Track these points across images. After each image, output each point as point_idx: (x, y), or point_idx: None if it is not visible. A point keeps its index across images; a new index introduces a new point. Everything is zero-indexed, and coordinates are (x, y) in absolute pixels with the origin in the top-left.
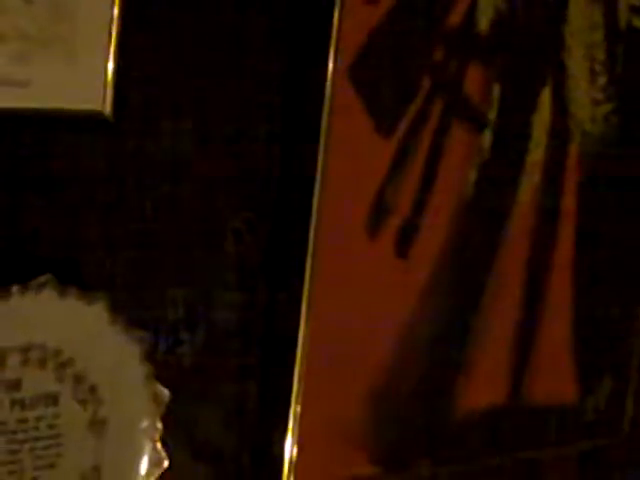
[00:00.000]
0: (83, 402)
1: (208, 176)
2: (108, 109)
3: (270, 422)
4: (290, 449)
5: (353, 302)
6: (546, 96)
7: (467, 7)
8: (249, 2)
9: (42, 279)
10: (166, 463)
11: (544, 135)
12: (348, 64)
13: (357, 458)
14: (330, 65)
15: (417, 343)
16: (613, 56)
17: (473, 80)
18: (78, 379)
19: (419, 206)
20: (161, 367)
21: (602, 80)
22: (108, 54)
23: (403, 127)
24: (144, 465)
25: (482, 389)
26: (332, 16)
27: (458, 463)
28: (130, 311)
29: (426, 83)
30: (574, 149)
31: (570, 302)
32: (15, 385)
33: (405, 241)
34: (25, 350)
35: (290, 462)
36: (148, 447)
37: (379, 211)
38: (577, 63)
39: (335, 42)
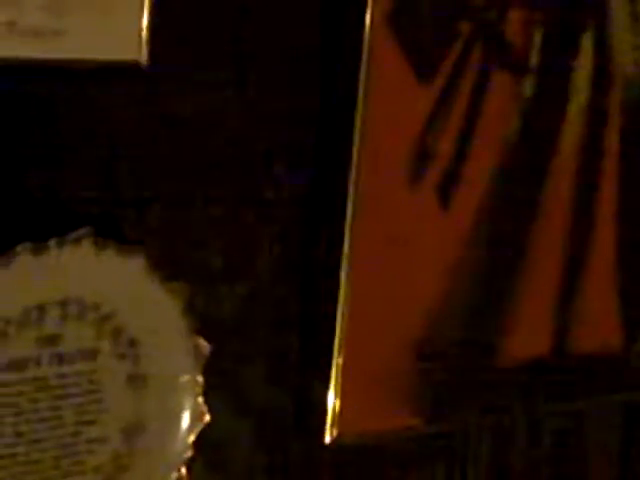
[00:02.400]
0: (122, 356)
1: (245, 127)
2: (144, 58)
3: (312, 374)
4: (332, 401)
5: (394, 252)
6: (588, 41)
7: None
8: None
9: (80, 232)
10: (208, 417)
11: (587, 81)
12: (386, 9)
13: (400, 409)
14: (369, 10)
15: (459, 294)
16: None
17: (514, 25)
18: (117, 333)
19: (461, 154)
20: (201, 320)
21: None
22: (144, 3)
23: (443, 73)
24: (186, 420)
25: (526, 338)
26: None
27: (502, 413)
28: (169, 264)
29: (466, 28)
30: (616, 95)
31: (614, 250)
32: (54, 340)
33: (447, 190)
34: (63, 304)
35: (333, 414)
36: (189, 402)
37: (420, 159)
38: (618, 6)
39: None
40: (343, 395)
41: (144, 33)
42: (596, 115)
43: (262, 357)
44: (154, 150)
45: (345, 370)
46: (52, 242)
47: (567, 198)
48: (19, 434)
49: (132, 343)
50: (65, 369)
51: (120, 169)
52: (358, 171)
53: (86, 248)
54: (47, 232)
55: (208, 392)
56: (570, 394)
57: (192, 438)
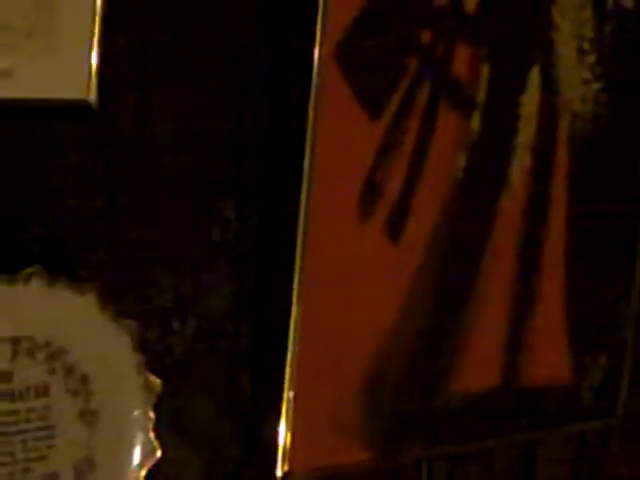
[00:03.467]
0: (74, 393)
1: (195, 164)
2: (93, 97)
3: (263, 410)
4: (283, 436)
5: (345, 287)
6: (535, 76)
7: None
8: None
9: (31, 269)
10: (159, 453)
11: (534, 116)
12: (335, 46)
13: (350, 443)
14: (317, 47)
15: (410, 327)
16: (601, 35)
17: (461, 61)
18: (69, 370)
19: (410, 189)
20: (152, 356)
21: (591, 59)
22: (92, 43)
23: (391, 109)
24: (137, 455)
25: (476, 372)
26: None
27: (453, 446)
28: (120, 301)
29: (413, 64)
30: (564, 129)
31: (563, 283)
32: (6, 376)
33: (397, 224)
34: (15, 341)
35: (284, 448)
36: (141, 437)
37: (370, 194)
38: (565, 42)
39: (322, 24)
40: (294, 430)
41: (94, 72)
42: (543, 150)
43: (214, 392)
44: (101, 189)
45: (296, 405)
46: (3, 279)
47: (516, 231)
48: None
49: (84, 379)
50: (16, 405)
51: (67, 208)
52: (307, 207)
53: (37, 285)
54: None
55: (160, 427)
56: (520, 427)
57: (143, 473)
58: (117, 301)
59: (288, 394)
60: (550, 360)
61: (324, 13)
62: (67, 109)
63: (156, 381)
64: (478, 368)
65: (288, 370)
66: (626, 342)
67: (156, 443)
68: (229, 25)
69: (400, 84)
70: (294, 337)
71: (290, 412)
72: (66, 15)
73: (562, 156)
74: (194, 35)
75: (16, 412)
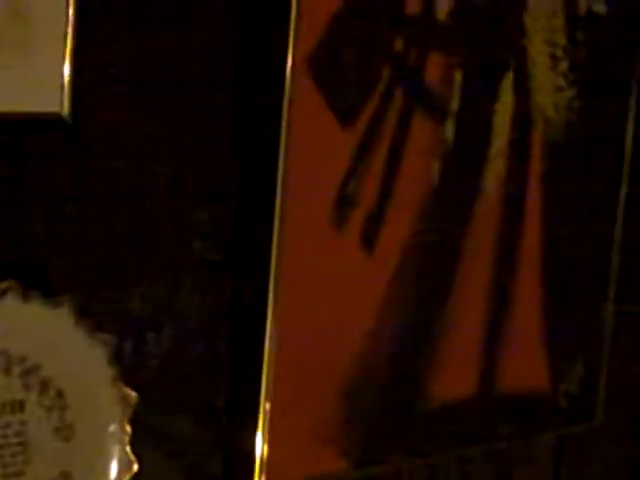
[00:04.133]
0: (49, 408)
1: (170, 174)
2: (66, 111)
3: (240, 420)
4: (261, 447)
5: (320, 296)
6: (508, 84)
7: None
8: None
9: (4, 284)
10: (136, 467)
11: (507, 123)
12: (307, 55)
13: (328, 454)
14: (289, 56)
15: (386, 336)
16: (574, 42)
17: (434, 69)
18: (44, 385)
19: (384, 198)
20: (128, 369)
21: (563, 66)
22: (65, 55)
23: (364, 118)
24: (114, 469)
25: (453, 379)
26: (290, 5)
27: (432, 455)
28: (95, 314)
29: (386, 73)
30: (538, 137)
31: (539, 289)
32: None
33: (371, 233)
34: None
35: (261, 460)
36: (117, 451)
37: (344, 203)
38: (538, 49)
39: (293, 32)
40: (271, 441)
41: (66, 85)
42: (518, 157)
43: (190, 404)
44: (74, 200)
45: (273, 415)
46: None
47: (491, 239)
48: None
49: (59, 394)
50: None
51: (48, 217)
52: (282, 217)
53: (11, 300)
54: None
55: (136, 441)
56: (499, 434)
57: None
58: (92, 314)
59: (265, 405)
60: (527, 366)
61: (296, 21)
62: (40, 122)
63: (132, 394)
64: (455, 375)
65: (264, 381)
66: (603, 347)
67: (133, 457)
68: (200, 34)
69: (373, 92)
70: (270, 347)
71: (267, 423)
72: (39, 27)
73: (536, 163)
74: (166, 45)
75: None
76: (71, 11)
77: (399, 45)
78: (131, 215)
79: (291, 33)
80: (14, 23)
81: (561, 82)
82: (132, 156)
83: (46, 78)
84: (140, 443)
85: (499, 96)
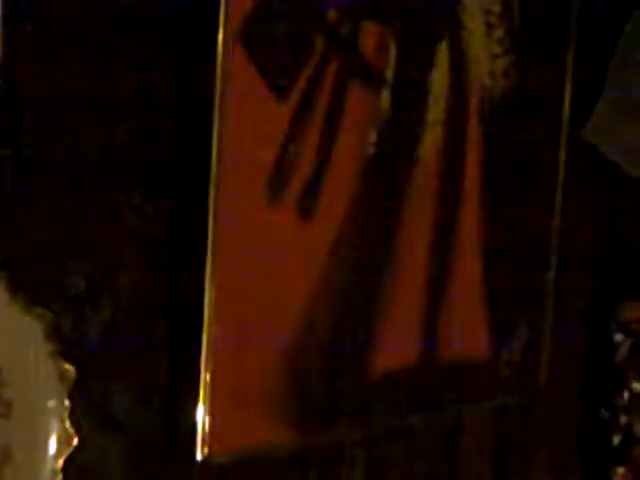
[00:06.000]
0: None
1: (104, 148)
2: None
3: (181, 392)
4: (202, 418)
5: (259, 265)
6: (443, 52)
7: None
8: None
9: None
10: (75, 441)
11: (444, 92)
12: (238, 28)
13: (272, 423)
14: (221, 30)
15: (326, 303)
16: (509, 9)
17: (368, 39)
18: None
19: (320, 167)
20: (66, 344)
21: (498, 33)
22: None
23: (299, 89)
24: (53, 444)
25: (396, 347)
26: None
27: (377, 423)
28: (31, 289)
29: (320, 44)
30: (474, 105)
31: (479, 257)
32: None
33: (308, 203)
34: None
35: (203, 431)
36: (56, 426)
37: (280, 174)
38: (472, 17)
39: (225, 6)
40: (213, 412)
41: None
42: (455, 125)
43: (131, 378)
44: (7, 172)
45: (213, 387)
46: None
47: (430, 207)
48: None
49: None
50: None
51: None
52: (217, 189)
53: None
54: None
55: (76, 415)
56: (441, 403)
57: (61, 462)
58: (28, 290)
59: (205, 375)
60: (469, 335)
61: None
62: None
63: (71, 369)
64: (398, 344)
65: (204, 352)
66: (545, 316)
67: (72, 431)
68: (134, 4)
69: (307, 63)
70: (209, 319)
71: (208, 394)
72: None
73: (474, 131)
74: (100, 12)
75: None
76: None
77: (332, 15)
78: (67, 188)
79: (222, 7)
80: None
81: (497, 50)
82: (67, 125)
83: None
84: (81, 417)
85: (435, 65)
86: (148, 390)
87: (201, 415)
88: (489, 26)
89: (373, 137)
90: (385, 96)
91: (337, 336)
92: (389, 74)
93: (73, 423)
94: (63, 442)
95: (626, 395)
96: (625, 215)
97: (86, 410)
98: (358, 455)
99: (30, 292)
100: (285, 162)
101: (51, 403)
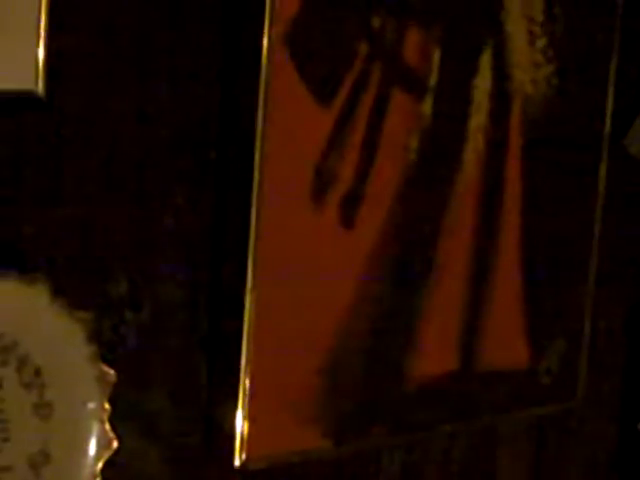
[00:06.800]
0: (28, 385)
1: (146, 152)
2: (41, 88)
3: (220, 398)
4: (241, 424)
5: (299, 273)
6: (486, 60)
7: None
8: None
9: None
10: (115, 444)
11: (486, 99)
12: (283, 33)
13: (309, 431)
14: (265, 34)
15: (366, 312)
16: (552, 18)
17: (412, 46)
18: (22, 362)
19: (362, 174)
20: (106, 347)
21: (541, 42)
22: (40, 33)
23: (342, 95)
24: (93, 447)
25: (434, 356)
26: None
27: (413, 432)
28: (72, 292)
29: (364, 50)
30: (516, 112)
31: (520, 266)
32: None
33: (350, 210)
34: None
35: (241, 438)
36: (96, 429)
37: (322, 181)
38: (516, 25)
39: (270, 10)
40: (251, 418)
41: (41, 63)
42: (497, 133)
43: (170, 382)
44: (51, 178)
45: (253, 392)
46: None
47: (471, 215)
48: None
49: (37, 372)
50: None
51: (18, 199)
52: (260, 194)
53: None
54: None
55: (116, 419)
56: (479, 411)
57: (100, 465)
58: (69, 292)
59: (245, 380)
60: (507, 344)
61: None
62: (14, 100)
63: (110, 372)
64: (436, 352)
65: (244, 357)
66: (583, 325)
67: (112, 434)
68: (178, 13)
69: (351, 70)
70: (249, 324)
71: (247, 400)
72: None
73: (515, 139)
74: (142, 26)
75: None
76: None
77: (376, 22)
78: (109, 191)
79: (267, 12)
80: None
81: (539, 58)
82: (108, 132)
83: (20, 56)
84: (120, 421)
85: (477, 72)
86: (187, 394)
87: (240, 420)
88: (532, 35)
89: (415, 144)
90: (427, 103)
91: (376, 344)
92: (432, 81)
93: (112, 426)
94: (103, 445)
95: None
96: None
97: (125, 413)
98: (395, 463)
99: (71, 295)
100: (327, 168)
101: (91, 405)
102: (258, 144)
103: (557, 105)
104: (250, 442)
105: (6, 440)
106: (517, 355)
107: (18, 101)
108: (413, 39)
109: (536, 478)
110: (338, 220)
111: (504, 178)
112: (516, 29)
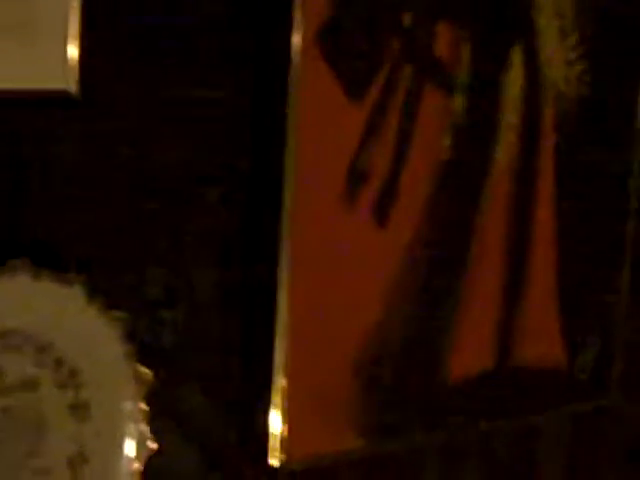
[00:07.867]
0: (64, 386)
1: (180, 152)
2: (74, 88)
3: (255, 398)
4: (276, 424)
5: (333, 271)
6: (517, 56)
7: None
8: None
9: (16, 262)
10: (152, 444)
11: (518, 96)
12: (315, 30)
13: (346, 431)
14: (297, 31)
15: (401, 311)
16: (583, 15)
17: (443, 42)
18: (58, 363)
19: (395, 172)
20: (142, 347)
21: (572, 39)
22: (69, 32)
23: (374, 92)
24: (131, 447)
25: (470, 355)
26: None
27: (450, 431)
28: (108, 292)
29: (395, 47)
30: (549, 110)
31: (554, 263)
32: None
33: (383, 208)
34: (3, 336)
35: (277, 438)
36: (133, 429)
37: (355, 178)
38: (547, 22)
39: (301, 7)
40: (289, 419)
41: (73, 62)
42: (529, 130)
43: (205, 382)
44: (86, 179)
45: (289, 392)
46: None
47: (505, 213)
48: None
49: (73, 372)
50: (7, 401)
51: (53, 199)
52: (292, 193)
53: (23, 278)
54: None
55: (153, 419)
56: (516, 409)
57: (138, 465)
58: (105, 292)
59: (280, 382)
60: (543, 342)
61: None
62: (48, 99)
63: (147, 372)
64: (472, 350)
65: (278, 357)
66: (617, 322)
67: (149, 434)
68: (210, 14)
69: (382, 66)
70: (283, 324)
71: (283, 400)
72: (45, 6)
73: (548, 135)
74: (175, 22)
75: (7, 407)
76: None
77: (407, 19)
78: (144, 192)
79: (299, 9)
80: (20, 2)
81: (571, 55)
82: (143, 132)
83: (53, 56)
84: (157, 421)
85: (509, 69)
86: (223, 394)
87: (278, 421)
88: (563, 32)
89: (447, 141)
90: (459, 100)
91: (411, 343)
92: (463, 77)
93: (150, 427)
94: (140, 445)
95: None
96: None
97: (161, 413)
98: (432, 462)
99: (107, 295)
100: (360, 166)
101: (127, 405)
102: (291, 142)
103: (588, 103)
104: (288, 442)
105: (45, 442)
106: (553, 353)
107: (51, 101)
108: (444, 35)
109: (573, 474)
110: (371, 218)
111: (537, 176)
112: (547, 24)
